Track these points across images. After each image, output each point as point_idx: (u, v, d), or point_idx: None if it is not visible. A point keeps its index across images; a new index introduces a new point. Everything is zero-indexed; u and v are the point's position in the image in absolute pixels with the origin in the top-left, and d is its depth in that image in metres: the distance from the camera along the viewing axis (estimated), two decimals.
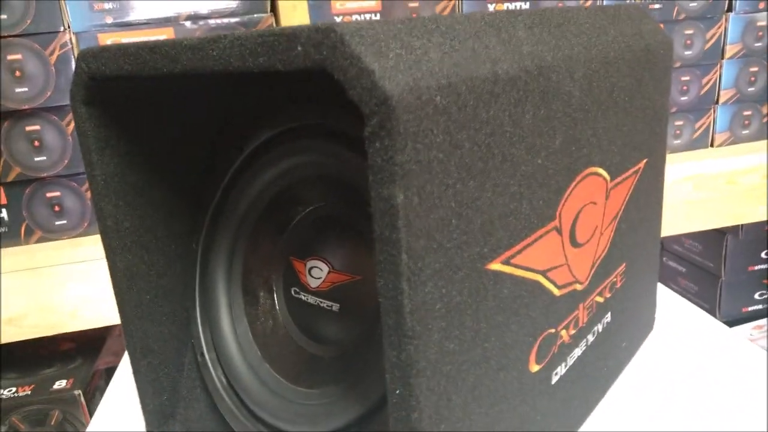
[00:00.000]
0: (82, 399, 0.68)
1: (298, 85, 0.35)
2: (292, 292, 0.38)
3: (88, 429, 0.47)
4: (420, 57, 0.22)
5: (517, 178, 0.27)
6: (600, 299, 0.39)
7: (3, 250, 0.67)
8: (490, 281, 0.27)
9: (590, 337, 0.38)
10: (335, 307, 0.35)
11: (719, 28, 0.79)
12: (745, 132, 0.85)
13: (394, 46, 0.21)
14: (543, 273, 0.31)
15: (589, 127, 0.33)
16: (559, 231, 0.32)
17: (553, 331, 0.33)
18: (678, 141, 0.83)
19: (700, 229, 0.80)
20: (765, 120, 0.85)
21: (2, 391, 0.69)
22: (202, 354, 0.39)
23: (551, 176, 0.30)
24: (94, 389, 0.73)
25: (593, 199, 0.35)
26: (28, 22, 0.63)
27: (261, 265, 0.39)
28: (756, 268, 1.10)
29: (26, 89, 0.64)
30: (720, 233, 1.05)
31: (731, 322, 1.11)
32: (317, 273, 0.36)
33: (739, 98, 0.83)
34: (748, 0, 0.79)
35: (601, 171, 0.36)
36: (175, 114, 0.37)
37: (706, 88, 0.81)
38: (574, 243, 0.34)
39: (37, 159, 0.66)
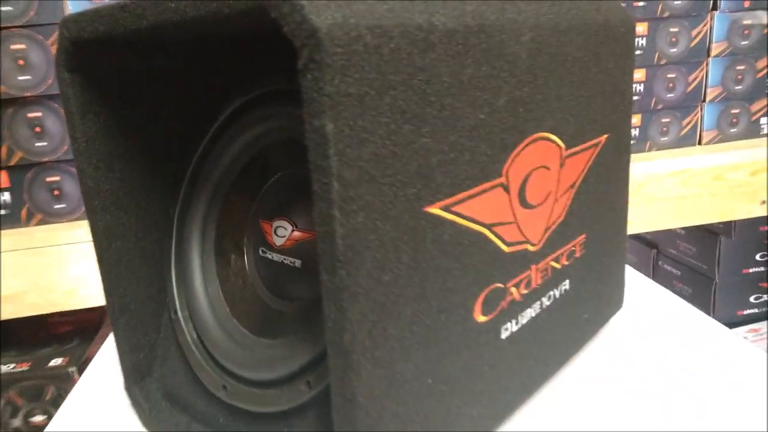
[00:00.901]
0: (76, 376, 0.70)
1: (267, 56, 0.38)
2: (260, 252, 0.40)
3: (72, 392, 0.49)
4: None
5: (457, 129, 0.29)
6: (557, 265, 0.40)
7: (4, 231, 0.70)
8: (429, 224, 0.28)
9: (546, 301, 0.39)
10: (297, 263, 0.37)
11: (704, 26, 0.80)
12: (733, 130, 0.86)
13: None
14: (488, 227, 0.33)
15: (539, 92, 0.35)
16: (506, 189, 0.34)
17: (501, 285, 0.34)
18: (665, 138, 0.85)
19: (688, 225, 0.81)
20: (753, 118, 0.86)
21: (2, 366, 0.71)
22: (176, 312, 0.41)
23: (496, 133, 0.32)
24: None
25: (545, 163, 0.37)
26: (32, 14, 0.66)
27: (233, 230, 0.41)
28: (751, 270, 1.10)
29: (29, 77, 0.67)
30: (713, 235, 1.05)
31: (726, 326, 1.11)
32: (282, 232, 0.38)
33: (726, 96, 0.84)
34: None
35: (554, 138, 0.37)
36: (154, 84, 0.40)
37: (692, 86, 0.83)
38: (525, 204, 0.36)
39: (38, 144, 0.69)
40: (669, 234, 1.16)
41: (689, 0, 0.80)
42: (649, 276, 1.21)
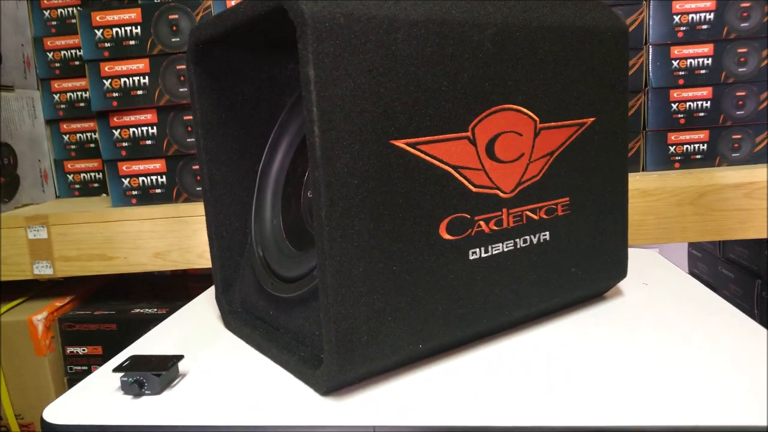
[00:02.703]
0: None
1: None
2: (308, 195, 0.54)
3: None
4: None
5: (420, 89, 0.41)
6: (533, 215, 0.50)
7: (158, 206, 0.93)
8: (395, 154, 0.41)
9: (520, 242, 0.49)
10: None
11: None
12: None
13: None
14: (455, 168, 0.44)
15: (507, 75, 0.46)
16: (471, 142, 0.45)
17: (468, 216, 0.45)
18: (737, 154, 0.86)
19: (754, 237, 0.82)
20: None
21: (147, 309, 0.93)
22: (251, 238, 0.57)
23: (459, 99, 0.43)
24: None
25: (517, 130, 0.47)
26: None
27: (295, 180, 0.57)
28: None
29: (178, 39, 0.89)
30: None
31: None
32: None
33: None
34: None
35: (525, 110, 0.48)
36: (246, 72, 0.57)
37: (765, 104, 0.84)
38: (493, 157, 0.46)
39: (188, 140, 0.92)
40: None
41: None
42: (752, 307, 1.17)
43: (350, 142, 0.39)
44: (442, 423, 0.38)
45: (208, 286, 0.76)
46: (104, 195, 1.13)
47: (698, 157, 0.87)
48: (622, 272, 0.58)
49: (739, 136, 0.86)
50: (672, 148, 0.87)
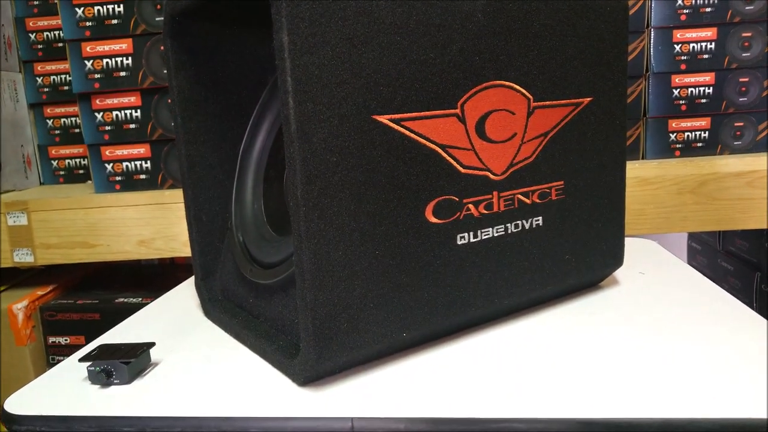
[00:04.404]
0: None
1: None
2: None
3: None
4: None
5: (405, 61, 0.39)
6: (526, 200, 0.47)
7: (142, 192, 0.90)
8: (379, 130, 0.38)
9: (511, 227, 0.46)
10: None
11: None
12: None
13: None
14: (442, 147, 0.42)
15: (499, 49, 0.43)
16: (460, 119, 0.42)
17: (456, 199, 0.43)
18: (738, 142, 0.84)
19: (755, 227, 0.79)
20: None
21: (133, 299, 0.91)
22: (231, 222, 0.54)
23: (448, 72, 0.41)
24: None
25: (509, 108, 0.45)
26: None
27: (277, 163, 0.54)
28: None
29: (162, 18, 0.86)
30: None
31: None
32: None
33: None
34: None
35: (518, 88, 0.45)
36: (225, 49, 0.54)
37: None
38: (483, 137, 0.44)
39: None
40: None
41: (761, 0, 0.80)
42: (752, 300, 1.15)
43: (328, 116, 0.36)
44: (423, 414, 0.35)
45: None
46: (89, 182, 1.10)
47: (699, 145, 0.85)
48: (618, 261, 0.55)
49: (741, 124, 0.84)
50: (673, 136, 0.85)
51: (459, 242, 0.43)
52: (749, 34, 0.81)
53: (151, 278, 1.05)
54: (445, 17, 0.40)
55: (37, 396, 0.41)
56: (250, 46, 0.55)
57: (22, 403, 0.40)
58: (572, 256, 0.51)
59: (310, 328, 0.37)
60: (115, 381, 0.42)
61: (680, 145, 0.85)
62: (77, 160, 1.10)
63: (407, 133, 0.40)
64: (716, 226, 0.78)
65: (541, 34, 0.46)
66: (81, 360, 0.42)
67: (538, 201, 0.48)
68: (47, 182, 1.11)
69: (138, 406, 0.38)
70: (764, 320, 0.46)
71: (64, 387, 0.42)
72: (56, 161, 1.10)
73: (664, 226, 0.80)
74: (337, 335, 0.38)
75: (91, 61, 0.86)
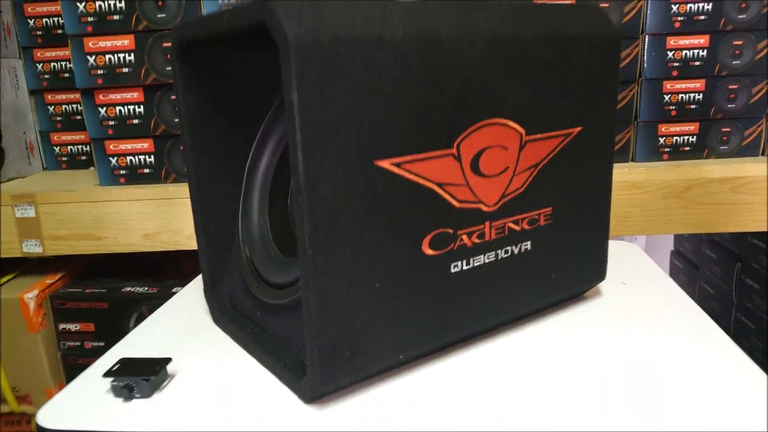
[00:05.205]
0: None
1: None
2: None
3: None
4: (317, 15, 0.37)
5: (406, 108, 0.41)
6: (515, 227, 0.50)
7: (147, 187, 0.92)
8: (381, 175, 0.41)
9: (501, 253, 0.50)
10: None
11: None
12: None
13: (305, 9, 0.37)
14: (439, 185, 0.44)
15: (494, 88, 0.46)
16: (456, 158, 0.45)
17: (450, 231, 0.46)
18: (725, 147, 0.87)
19: (736, 230, 0.83)
20: None
21: (138, 288, 0.94)
22: (238, 236, 0.57)
23: (446, 116, 0.43)
24: None
25: (503, 144, 0.48)
26: (179, 19, 0.87)
27: (283, 182, 0.57)
28: None
29: (164, 15, 0.88)
30: None
31: None
32: None
33: None
34: None
35: (513, 124, 0.48)
36: (232, 71, 0.56)
37: (756, 97, 0.84)
38: (477, 173, 0.46)
39: (176, 119, 0.91)
40: (753, 248, 1.14)
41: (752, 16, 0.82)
42: (732, 290, 1.20)
43: (334, 165, 0.39)
44: (423, 428, 0.40)
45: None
46: (92, 168, 1.12)
47: (687, 148, 0.88)
48: (600, 275, 0.59)
49: (728, 129, 0.86)
50: (662, 140, 0.87)
51: (452, 270, 0.47)
52: (740, 43, 0.83)
53: (155, 266, 1.09)
54: (444, 64, 0.42)
55: (67, 409, 0.45)
56: (256, 64, 0.57)
57: (53, 417, 0.44)
58: (558, 274, 0.55)
59: (315, 356, 0.41)
60: (136, 395, 0.45)
61: (668, 149, 0.88)
62: (79, 147, 1.12)
63: (406, 174, 0.43)
64: (699, 229, 0.82)
65: (535, 71, 0.48)
66: (105, 375, 0.46)
67: (527, 227, 0.51)
68: (50, 168, 1.13)
69: (159, 422, 0.42)
70: (734, 344, 0.50)
71: (90, 400, 0.46)
72: (59, 147, 1.12)
73: (649, 228, 0.83)
74: (340, 361, 0.42)
75: (94, 57, 0.87)
